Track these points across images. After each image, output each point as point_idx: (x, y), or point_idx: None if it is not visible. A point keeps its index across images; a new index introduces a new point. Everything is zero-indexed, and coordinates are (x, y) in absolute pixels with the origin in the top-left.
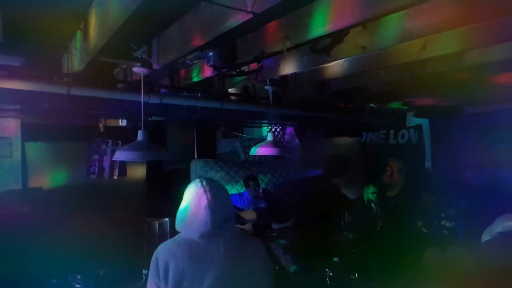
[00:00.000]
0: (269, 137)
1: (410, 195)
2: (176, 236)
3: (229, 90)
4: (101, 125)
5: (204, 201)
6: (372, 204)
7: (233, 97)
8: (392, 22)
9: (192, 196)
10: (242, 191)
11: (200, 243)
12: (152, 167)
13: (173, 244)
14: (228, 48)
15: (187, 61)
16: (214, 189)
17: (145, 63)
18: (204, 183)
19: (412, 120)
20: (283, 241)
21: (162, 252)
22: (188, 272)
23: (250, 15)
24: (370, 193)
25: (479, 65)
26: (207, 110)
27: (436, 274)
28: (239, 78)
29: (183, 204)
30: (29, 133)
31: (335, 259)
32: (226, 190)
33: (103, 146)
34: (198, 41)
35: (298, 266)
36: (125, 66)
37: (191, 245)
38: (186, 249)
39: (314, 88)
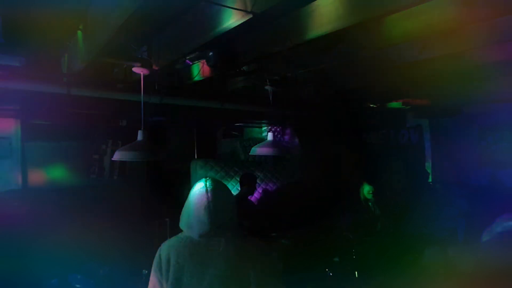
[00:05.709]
0: (269, 137)
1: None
2: (180, 234)
3: (229, 90)
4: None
5: (204, 202)
6: (370, 204)
7: (233, 97)
8: (392, 22)
9: (195, 196)
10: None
11: (201, 242)
12: (152, 167)
13: (176, 241)
14: (228, 48)
15: (187, 61)
16: (216, 190)
17: (145, 63)
18: (207, 183)
19: (412, 120)
20: (283, 241)
21: (165, 248)
22: (188, 269)
23: (250, 15)
24: (366, 192)
25: (479, 65)
26: (207, 110)
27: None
28: (239, 78)
29: (186, 203)
30: (29, 133)
31: (335, 259)
32: (229, 191)
33: (103, 146)
34: (198, 41)
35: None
36: (125, 66)
37: (193, 243)
38: (187, 247)
39: (314, 88)
